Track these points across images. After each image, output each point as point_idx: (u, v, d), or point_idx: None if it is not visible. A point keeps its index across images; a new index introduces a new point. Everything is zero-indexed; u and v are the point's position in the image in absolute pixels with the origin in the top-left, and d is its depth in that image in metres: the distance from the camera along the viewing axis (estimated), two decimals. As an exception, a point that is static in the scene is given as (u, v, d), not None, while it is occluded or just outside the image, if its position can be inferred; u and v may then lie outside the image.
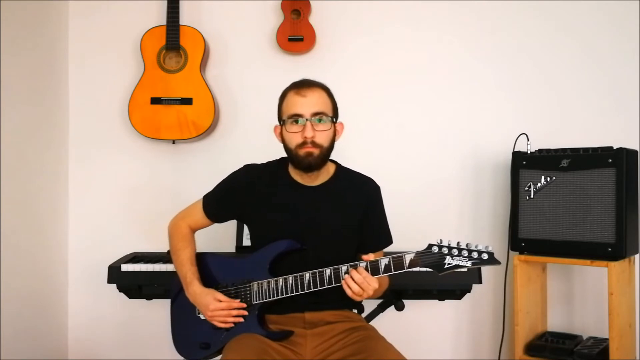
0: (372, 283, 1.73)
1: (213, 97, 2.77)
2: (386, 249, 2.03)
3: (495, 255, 1.65)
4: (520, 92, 2.81)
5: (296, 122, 1.83)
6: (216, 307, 1.86)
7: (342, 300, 1.92)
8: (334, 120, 1.89)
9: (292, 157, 1.88)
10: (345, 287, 1.74)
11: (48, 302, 2.80)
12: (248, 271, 1.90)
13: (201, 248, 2.08)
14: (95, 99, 2.94)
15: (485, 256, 1.64)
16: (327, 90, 1.91)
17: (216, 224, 2.09)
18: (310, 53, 2.85)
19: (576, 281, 2.75)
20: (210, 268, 2.00)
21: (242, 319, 1.87)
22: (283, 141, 1.90)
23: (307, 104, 1.83)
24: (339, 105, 1.93)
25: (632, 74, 2.71)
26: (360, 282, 1.72)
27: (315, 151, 1.84)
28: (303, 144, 1.83)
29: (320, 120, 1.83)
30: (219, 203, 2.03)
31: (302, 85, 1.87)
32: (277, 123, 1.92)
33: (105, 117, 2.92)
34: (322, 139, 1.84)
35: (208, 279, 1.96)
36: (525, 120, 2.75)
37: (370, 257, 1.76)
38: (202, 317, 1.95)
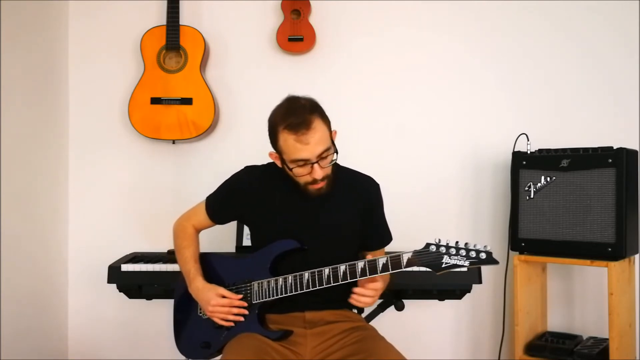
0: (378, 288, 1.79)
1: (213, 97, 2.77)
2: (386, 248, 2.04)
3: (495, 255, 1.65)
4: (520, 92, 2.81)
5: (303, 165, 1.79)
6: (217, 302, 1.87)
7: (342, 300, 1.93)
8: (335, 145, 1.85)
9: (300, 187, 1.87)
10: (355, 302, 1.79)
11: (48, 302, 2.80)
12: (249, 271, 1.91)
13: (202, 248, 2.08)
14: (95, 99, 2.94)
15: (483, 255, 1.63)
16: (319, 113, 1.80)
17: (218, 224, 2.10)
18: (310, 53, 2.85)
19: (576, 281, 2.75)
20: (211, 268, 2.00)
21: (242, 318, 1.88)
22: (285, 170, 1.86)
23: (311, 149, 1.76)
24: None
25: (632, 73, 2.71)
26: (372, 295, 1.78)
27: (324, 184, 1.84)
28: (313, 182, 1.82)
29: (324, 157, 1.80)
30: (221, 205, 2.03)
31: (299, 128, 1.74)
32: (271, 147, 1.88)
33: (105, 117, 2.93)
34: (328, 170, 1.84)
35: (210, 279, 1.96)
36: (525, 120, 2.75)
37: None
38: (203, 316, 1.95)
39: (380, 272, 1.73)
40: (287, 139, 1.77)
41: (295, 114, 1.76)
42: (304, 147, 1.75)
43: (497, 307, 2.78)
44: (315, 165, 1.78)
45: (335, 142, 1.87)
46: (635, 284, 2.51)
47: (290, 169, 1.81)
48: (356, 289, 1.78)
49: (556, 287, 2.76)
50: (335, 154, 1.84)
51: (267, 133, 1.88)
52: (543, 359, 2.45)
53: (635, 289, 2.52)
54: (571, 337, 2.56)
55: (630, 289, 2.47)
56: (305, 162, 1.78)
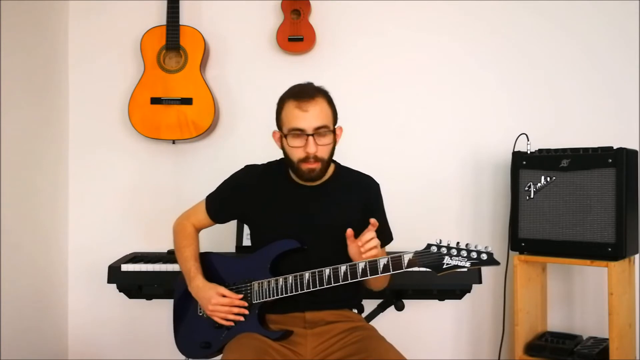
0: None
1: (213, 97, 2.77)
2: (386, 248, 2.03)
3: (495, 256, 1.65)
4: (520, 92, 2.81)
5: (298, 135, 1.81)
6: (218, 301, 1.87)
7: (342, 300, 1.93)
8: (334, 129, 1.87)
9: (294, 170, 1.87)
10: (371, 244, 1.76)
11: (48, 302, 2.80)
12: (249, 271, 1.91)
13: (202, 248, 2.08)
14: (95, 99, 2.94)
15: (484, 256, 1.63)
16: (326, 97, 1.86)
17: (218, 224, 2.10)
18: (310, 53, 2.85)
19: (576, 281, 2.75)
20: (212, 267, 2.00)
21: (242, 318, 1.88)
22: (283, 150, 1.89)
23: (309, 118, 1.79)
24: (339, 106, 1.92)
25: (632, 73, 2.71)
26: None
27: (317, 166, 1.84)
28: (305, 158, 1.82)
29: (321, 134, 1.81)
30: (221, 204, 2.03)
31: (303, 97, 1.81)
32: (276, 127, 1.90)
33: (105, 117, 2.93)
34: (324, 152, 1.84)
35: (210, 278, 1.96)
36: (525, 120, 2.75)
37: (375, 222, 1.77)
38: (203, 316, 1.95)
39: (381, 273, 1.73)
40: (288, 106, 1.82)
41: (302, 87, 1.86)
42: (302, 114, 1.79)
43: (497, 307, 2.78)
44: (310, 138, 1.79)
45: (339, 141, 1.89)
46: (635, 284, 2.51)
47: (286, 137, 1.82)
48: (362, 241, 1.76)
49: (556, 287, 2.76)
50: (333, 139, 1.85)
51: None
52: (543, 359, 2.45)
53: (635, 289, 2.52)
54: (571, 337, 2.56)
55: (630, 289, 2.47)
56: (301, 132, 1.79)
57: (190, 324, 2.01)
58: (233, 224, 2.48)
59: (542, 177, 2.45)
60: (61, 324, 2.90)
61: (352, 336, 1.85)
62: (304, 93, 1.82)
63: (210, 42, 2.85)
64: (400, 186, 2.74)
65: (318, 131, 1.80)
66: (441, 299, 2.51)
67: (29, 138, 2.67)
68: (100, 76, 2.94)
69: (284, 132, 1.84)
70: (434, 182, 2.84)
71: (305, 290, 1.80)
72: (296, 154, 1.83)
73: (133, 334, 2.92)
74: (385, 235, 2.03)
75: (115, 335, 2.93)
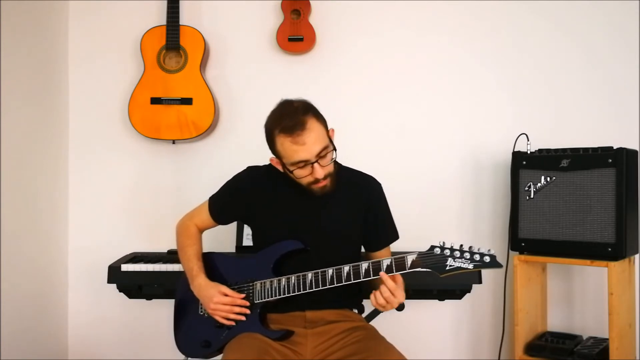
0: (399, 296, 1.73)
1: (213, 97, 2.77)
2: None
3: (496, 257, 1.65)
4: (520, 92, 2.81)
5: (302, 166, 1.79)
6: (219, 300, 1.87)
7: (343, 300, 1.94)
8: (333, 144, 1.84)
9: (304, 188, 1.86)
10: (372, 299, 1.75)
11: (48, 302, 2.80)
12: (252, 271, 1.91)
13: (202, 248, 2.08)
14: (95, 99, 2.94)
15: (487, 259, 1.64)
16: (314, 113, 1.81)
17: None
18: (310, 53, 2.85)
19: (576, 281, 2.75)
20: (214, 267, 2.01)
21: (243, 317, 1.88)
22: (287, 173, 1.86)
23: (308, 149, 1.76)
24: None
25: (632, 73, 2.71)
26: (387, 297, 1.72)
27: (328, 182, 1.84)
28: (315, 181, 1.82)
29: (323, 156, 1.80)
30: (223, 205, 2.04)
31: (294, 130, 1.74)
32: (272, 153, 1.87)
33: (105, 117, 2.93)
34: (330, 168, 1.84)
35: (212, 278, 1.96)
36: (525, 120, 2.75)
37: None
38: (204, 315, 1.96)
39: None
40: (283, 143, 1.77)
41: (289, 117, 1.77)
42: (301, 147, 1.76)
43: (497, 307, 2.78)
44: (316, 165, 1.78)
45: (335, 141, 1.87)
46: (635, 284, 2.51)
47: (292, 172, 1.81)
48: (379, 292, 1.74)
49: (556, 287, 2.76)
50: (334, 151, 1.84)
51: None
52: (543, 359, 2.45)
53: (635, 289, 2.52)
54: (571, 337, 2.56)
55: (630, 289, 2.47)
56: (305, 163, 1.78)
57: (191, 323, 2.02)
58: (233, 223, 2.48)
59: (542, 177, 2.45)
60: (61, 324, 2.90)
61: (353, 336, 1.85)
62: (294, 126, 1.74)
63: (210, 42, 2.85)
64: (400, 186, 2.73)
65: (320, 155, 1.79)
66: (441, 299, 2.51)
67: (29, 138, 2.66)
68: (100, 76, 2.94)
69: (286, 165, 1.82)
70: (434, 182, 2.84)
71: (308, 291, 1.81)
72: (305, 180, 1.83)
73: (133, 334, 2.92)
74: (390, 233, 2.03)
75: (115, 335, 2.93)
